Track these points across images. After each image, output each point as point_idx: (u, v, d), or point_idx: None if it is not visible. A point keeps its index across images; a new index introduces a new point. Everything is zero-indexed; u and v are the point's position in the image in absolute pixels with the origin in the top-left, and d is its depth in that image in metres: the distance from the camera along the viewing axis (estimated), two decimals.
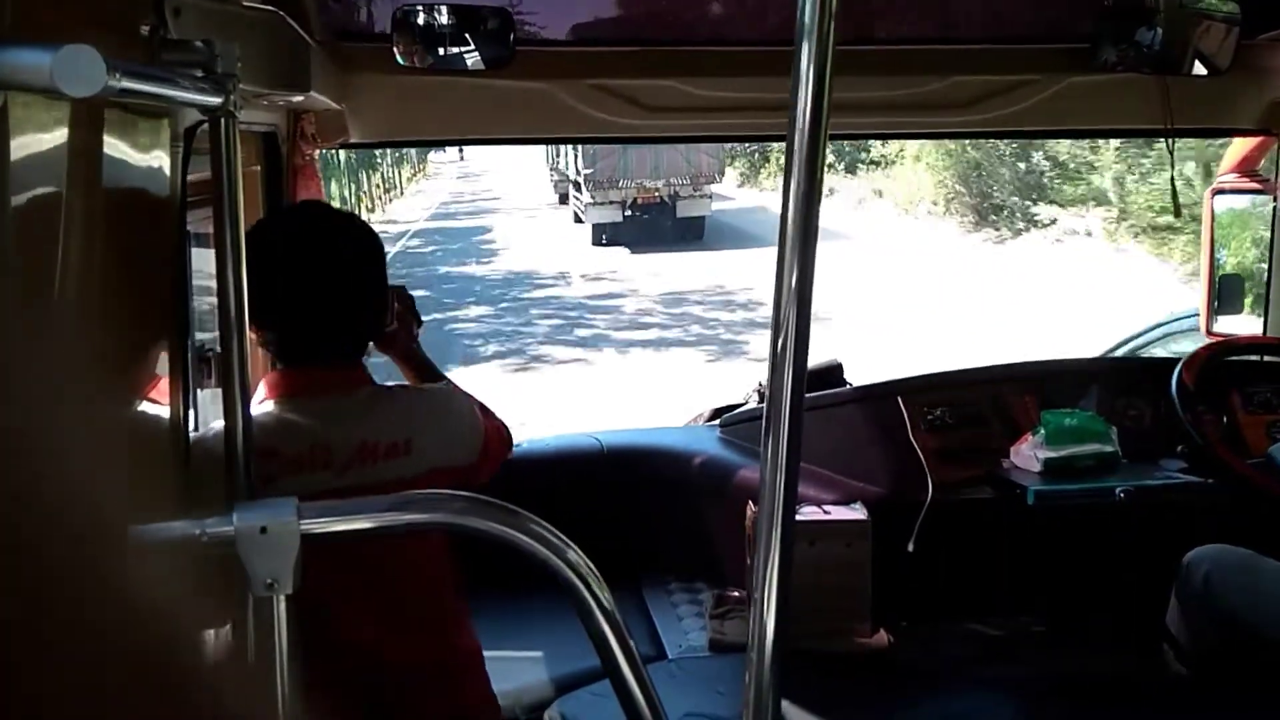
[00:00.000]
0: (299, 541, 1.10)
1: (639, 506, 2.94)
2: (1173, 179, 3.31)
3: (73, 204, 0.98)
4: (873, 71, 2.38)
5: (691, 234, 20.27)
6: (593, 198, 19.97)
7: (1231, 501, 2.61)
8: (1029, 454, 2.65)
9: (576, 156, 20.48)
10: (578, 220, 22.70)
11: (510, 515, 1.12)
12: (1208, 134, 3.56)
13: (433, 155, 50.91)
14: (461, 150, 48.82)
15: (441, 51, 2.18)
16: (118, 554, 0.91)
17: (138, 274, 1.16)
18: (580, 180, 20.30)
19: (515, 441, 2.30)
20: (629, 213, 19.98)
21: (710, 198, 20.75)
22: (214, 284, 1.21)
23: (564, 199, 26.28)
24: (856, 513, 2.60)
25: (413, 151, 36.63)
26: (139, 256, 1.16)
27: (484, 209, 28.01)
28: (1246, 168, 3.09)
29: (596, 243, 20.15)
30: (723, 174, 21.36)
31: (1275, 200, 2.96)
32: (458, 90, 2.33)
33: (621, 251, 19.56)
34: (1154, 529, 2.63)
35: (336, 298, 1.73)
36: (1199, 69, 2.47)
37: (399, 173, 36.70)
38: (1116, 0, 2.41)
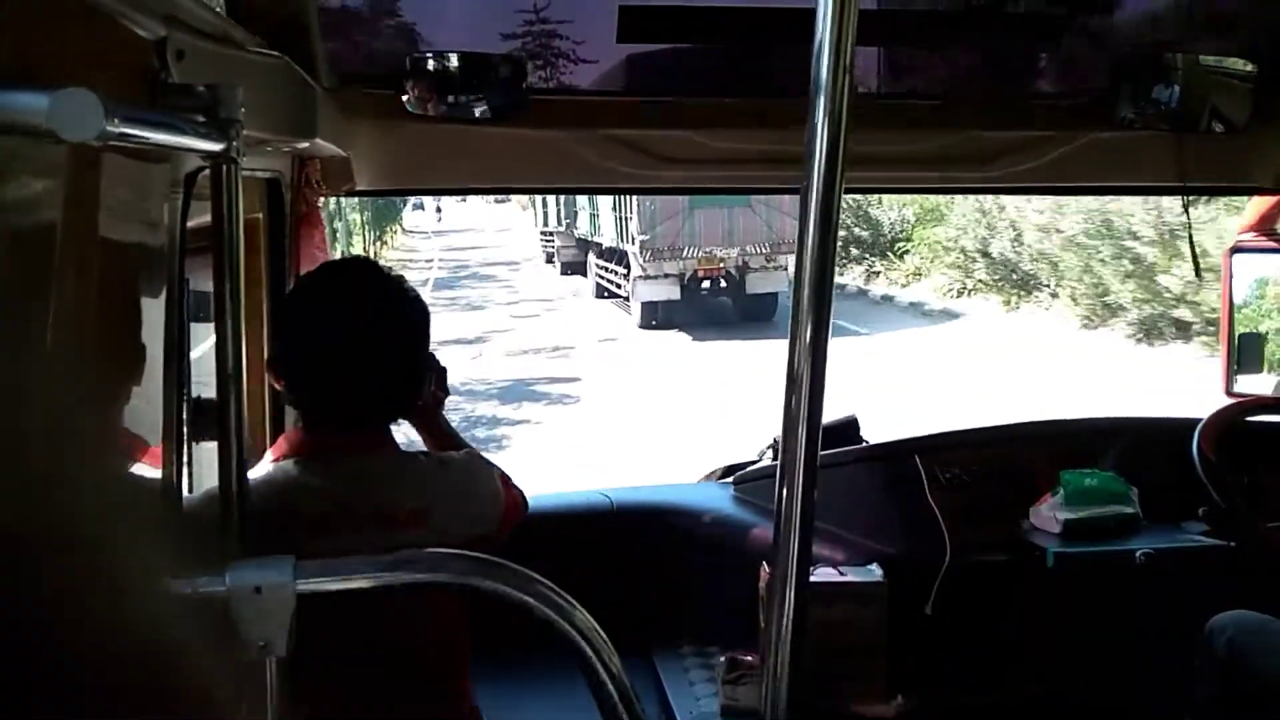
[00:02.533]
0: (294, 603, 1.06)
1: (650, 566, 2.89)
2: (1190, 238, 3.28)
3: (68, 250, 0.95)
4: (888, 125, 2.36)
5: (761, 314, 16.92)
6: (644, 269, 16.48)
7: (1256, 565, 2.55)
8: (1048, 515, 2.60)
9: (625, 219, 17.09)
10: (601, 293, 19.75)
11: (515, 575, 1.08)
12: (1226, 192, 3.56)
13: (407, 216, 36.78)
14: (439, 210, 38.59)
15: (452, 99, 2.17)
16: (108, 609, 0.88)
17: (134, 323, 1.14)
18: (633, 250, 16.72)
19: None
20: (687, 286, 16.70)
21: (786, 269, 16.76)
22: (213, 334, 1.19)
23: (571, 268, 23.17)
24: (872, 574, 2.55)
25: (356, 225, 24.60)
26: (136, 305, 1.14)
27: None
28: (1265, 226, 3.07)
29: (646, 325, 16.83)
30: None
31: None
32: (468, 138, 2.31)
33: (680, 339, 15.98)
34: (1176, 593, 2.57)
35: (377, 370, 1.69)
36: (1217, 126, 2.46)
37: None
38: (1134, 57, 2.40)
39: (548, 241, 25.90)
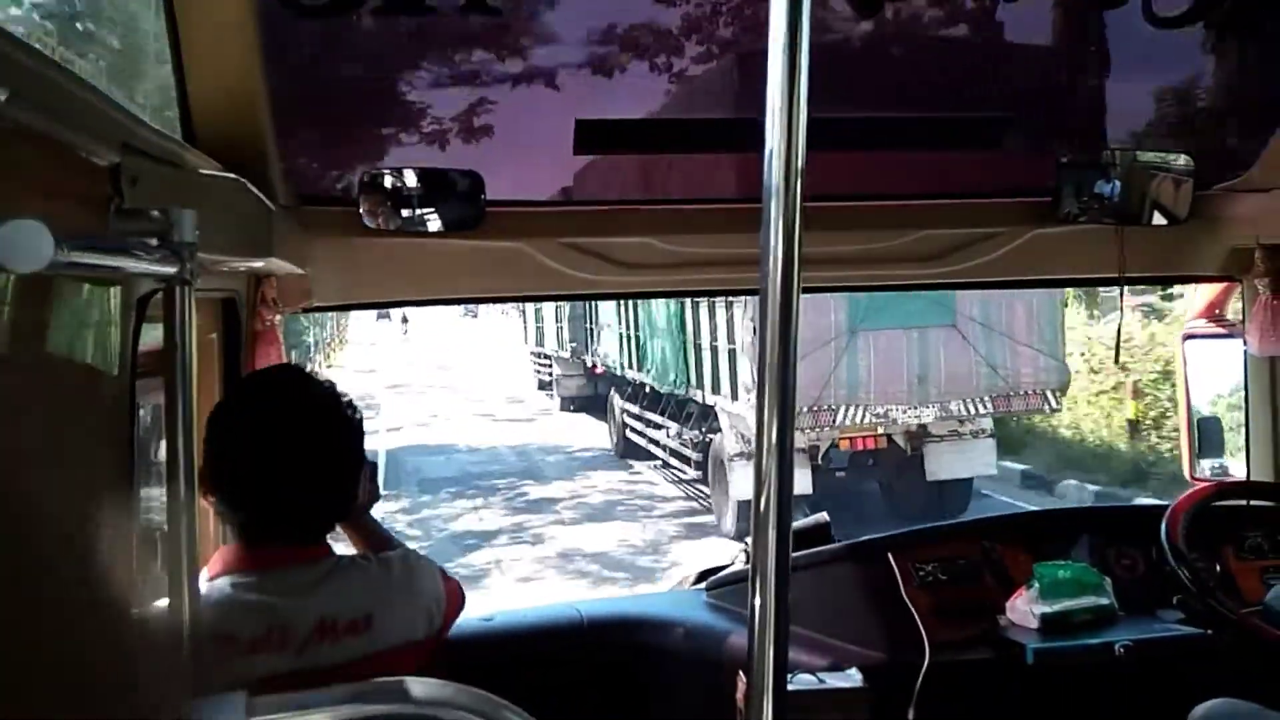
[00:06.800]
0: None
1: (622, 679, 2.81)
2: (1119, 329, 3.35)
3: (16, 375, 0.93)
4: (842, 227, 2.41)
5: (945, 509, 9.63)
6: (746, 444, 9.57)
7: (1233, 652, 2.53)
8: (1024, 609, 2.58)
9: (710, 351, 10.54)
10: (630, 451, 13.45)
11: (482, 702, 1.04)
12: (1169, 281, 3.64)
13: (363, 336, 30.81)
14: (405, 322, 33.31)
15: (408, 213, 2.18)
16: None
17: (84, 449, 1.11)
18: (734, 410, 9.99)
19: (489, 614, 2.21)
20: (820, 467, 9.50)
21: (994, 435, 10.21)
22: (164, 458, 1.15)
23: (575, 404, 17.63)
24: (852, 679, 2.49)
25: None
26: (86, 430, 1.11)
27: None
28: (1212, 312, 3.13)
29: (743, 535, 7.98)
30: (1064, 391, 10.50)
31: (1245, 343, 2.98)
32: (426, 251, 2.32)
33: None
34: (1157, 684, 2.54)
35: (307, 479, 1.66)
36: (1158, 219, 2.53)
37: None
38: (1075, 155, 2.48)
39: (543, 366, 19.88)
